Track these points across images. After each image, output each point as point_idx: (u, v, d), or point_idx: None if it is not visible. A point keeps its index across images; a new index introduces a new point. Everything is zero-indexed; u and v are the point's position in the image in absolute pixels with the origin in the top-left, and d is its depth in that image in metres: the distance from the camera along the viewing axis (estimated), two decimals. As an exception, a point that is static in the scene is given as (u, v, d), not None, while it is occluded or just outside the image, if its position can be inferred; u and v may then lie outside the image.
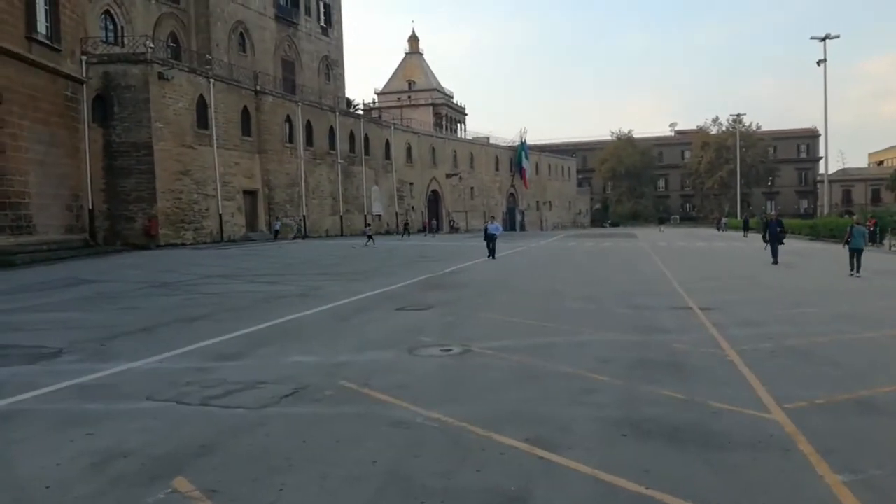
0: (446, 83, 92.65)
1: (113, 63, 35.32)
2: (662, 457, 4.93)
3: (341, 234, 52.22)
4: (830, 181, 70.58)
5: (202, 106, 39.38)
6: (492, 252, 26.66)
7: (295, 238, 45.77)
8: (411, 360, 8.34)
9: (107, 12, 41.97)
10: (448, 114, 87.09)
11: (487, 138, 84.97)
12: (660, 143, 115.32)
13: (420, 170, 67.79)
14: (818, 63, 51.53)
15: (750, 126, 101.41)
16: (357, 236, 50.62)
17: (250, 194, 44.03)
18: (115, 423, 5.81)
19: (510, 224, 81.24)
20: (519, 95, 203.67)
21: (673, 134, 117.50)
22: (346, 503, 4.22)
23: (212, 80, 40.45)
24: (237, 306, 13.45)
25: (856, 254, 18.95)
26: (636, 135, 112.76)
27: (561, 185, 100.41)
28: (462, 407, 6.16)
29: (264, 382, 7.09)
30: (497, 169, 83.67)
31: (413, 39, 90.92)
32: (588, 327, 10.51)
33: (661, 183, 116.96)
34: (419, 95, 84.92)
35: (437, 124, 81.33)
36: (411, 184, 66.05)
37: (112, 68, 34.97)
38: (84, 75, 32.80)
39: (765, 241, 24.00)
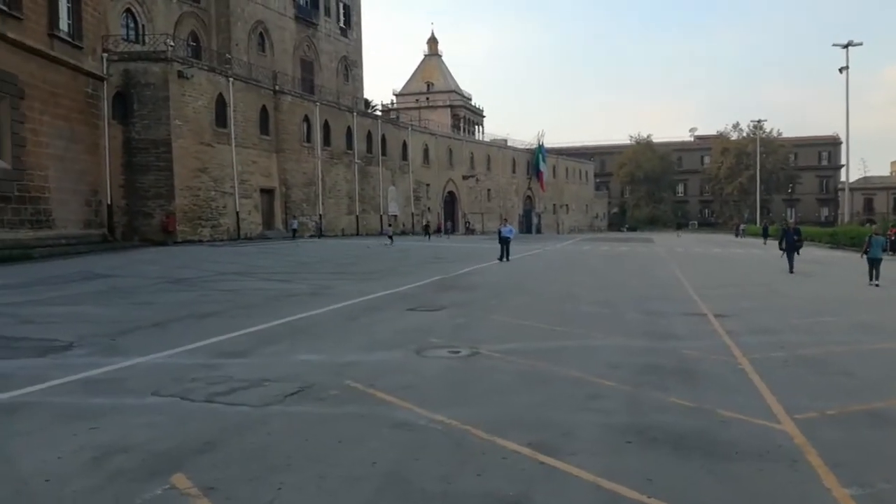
0: (465, 85, 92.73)
1: (133, 61, 35.65)
2: (666, 465, 4.85)
3: (357, 234, 52.36)
4: (852, 189, 69.85)
5: (221, 104, 39.63)
6: (506, 255, 26.58)
7: (311, 237, 45.94)
8: (419, 361, 8.30)
9: (128, 11, 42.37)
10: (466, 116, 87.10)
11: (505, 140, 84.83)
12: (679, 148, 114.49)
13: (437, 171, 67.80)
14: (840, 70, 50.90)
15: (771, 132, 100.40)
16: (373, 236, 50.78)
17: (267, 193, 44.25)
18: (119, 417, 5.83)
19: (526, 227, 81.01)
20: (537, 98, 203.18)
21: (693, 139, 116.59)
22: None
23: (231, 79, 40.69)
24: (249, 303, 13.49)
25: (874, 263, 18.67)
26: (655, 139, 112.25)
27: (578, 188, 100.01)
28: (467, 410, 6.10)
29: (270, 380, 7.08)
30: (514, 171, 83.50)
31: (432, 41, 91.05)
32: (599, 332, 10.41)
33: (680, 188, 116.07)
34: (437, 97, 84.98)
35: (455, 126, 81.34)
36: (428, 185, 66.07)
37: (132, 66, 35.28)
38: (105, 72, 33.09)
39: (781, 249, 23.73)
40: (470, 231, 69.97)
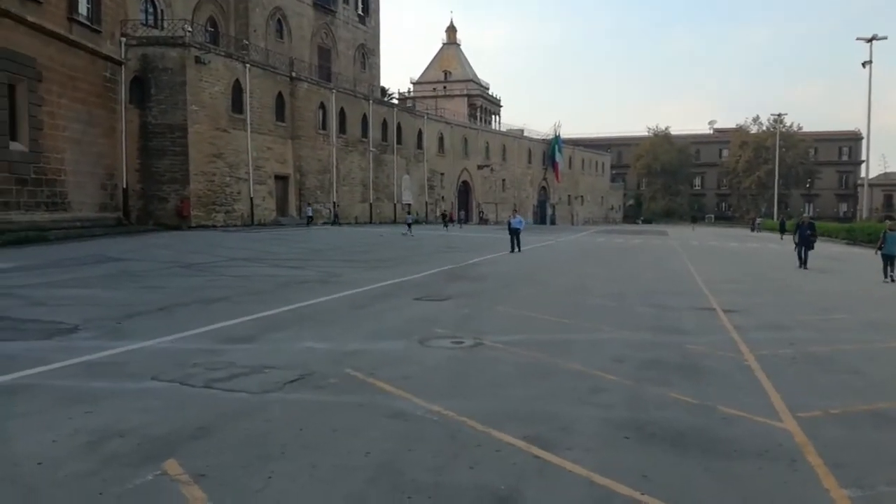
0: (482, 75, 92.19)
1: (151, 46, 35.77)
2: (663, 462, 4.78)
3: (370, 222, 52.40)
4: (871, 185, 68.85)
5: (237, 90, 39.70)
6: (517, 245, 26.45)
7: (325, 224, 46.03)
8: (422, 350, 8.27)
9: (147, -5, 42.45)
10: (483, 105, 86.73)
11: (521, 131, 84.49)
12: (697, 140, 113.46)
13: (452, 160, 67.64)
14: (863, 64, 50.02)
15: (791, 126, 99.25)
16: (387, 224, 50.83)
17: (282, 179, 44.33)
18: (117, 401, 5.84)
19: (541, 217, 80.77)
20: (555, 89, 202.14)
21: (711, 132, 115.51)
22: (333, 493, 4.15)
23: (248, 66, 40.73)
24: (258, 289, 13.51)
25: (889, 260, 18.40)
26: (673, 132, 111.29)
27: (594, 179, 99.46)
28: (465, 401, 6.07)
29: (271, 367, 7.08)
30: (529, 162, 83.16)
31: (451, 30, 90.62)
32: (607, 325, 10.33)
33: (697, 181, 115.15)
34: (454, 86, 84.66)
35: (472, 115, 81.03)
36: (442, 174, 65.94)
37: (150, 51, 35.40)
38: (123, 57, 33.28)
39: (795, 244, 23.42)
40: (484, 221, 69.82)
